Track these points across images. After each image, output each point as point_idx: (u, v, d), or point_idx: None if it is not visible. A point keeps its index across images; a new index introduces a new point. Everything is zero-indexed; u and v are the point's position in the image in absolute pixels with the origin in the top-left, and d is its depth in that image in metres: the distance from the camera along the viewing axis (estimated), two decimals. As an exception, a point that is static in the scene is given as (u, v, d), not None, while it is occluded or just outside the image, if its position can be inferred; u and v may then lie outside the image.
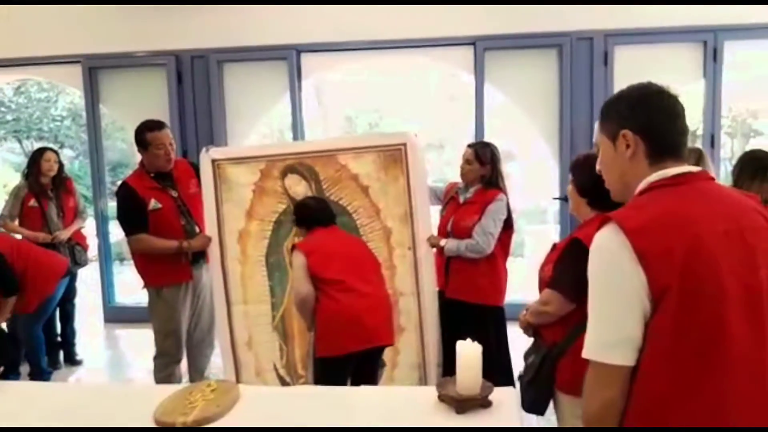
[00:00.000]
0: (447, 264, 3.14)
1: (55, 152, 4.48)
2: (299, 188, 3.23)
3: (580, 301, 1.53)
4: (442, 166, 10.74)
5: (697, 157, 3.89)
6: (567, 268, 1.84)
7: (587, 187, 1.93)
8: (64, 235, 4.30)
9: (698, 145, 4.93)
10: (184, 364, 3.30)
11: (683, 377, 1.13)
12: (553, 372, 1.79)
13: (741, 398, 1.15)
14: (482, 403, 1.64)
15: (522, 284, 5.88)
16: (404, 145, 3.17)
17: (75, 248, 4.40)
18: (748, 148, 8.92)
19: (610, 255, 1.16)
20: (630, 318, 1.13)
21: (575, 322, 1.76)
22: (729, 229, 1.17)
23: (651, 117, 1.25)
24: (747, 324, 1.14)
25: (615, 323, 1.15)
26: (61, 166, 4.41)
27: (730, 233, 1.16)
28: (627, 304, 1.14)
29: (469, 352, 1.64)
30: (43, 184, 4.30)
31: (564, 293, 1.83)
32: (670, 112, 1.26)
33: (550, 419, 3.15)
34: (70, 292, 4.42)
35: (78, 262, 4.43)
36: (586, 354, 1.18)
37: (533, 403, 1.85)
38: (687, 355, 1.13)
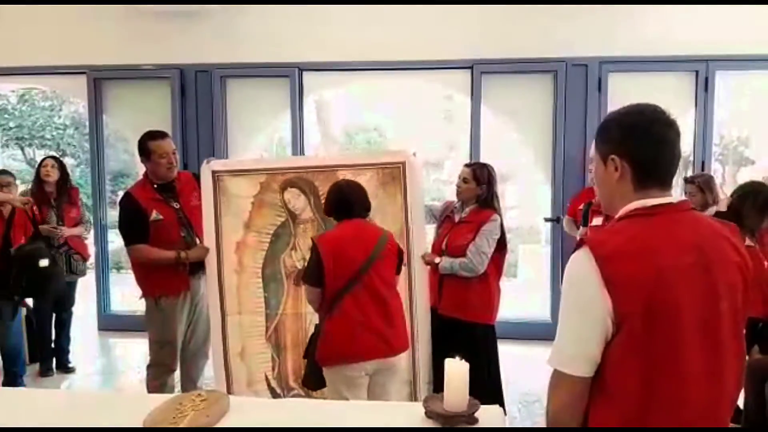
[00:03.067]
0: (440, 281, 3.20)
1: (56, 159, 4.49)
2: (298, 202, 3.30)
3: None
4: (440, 185, 10.82)
5: (706, 183, 3.99)
6: None
7: None
8: (67, 232, 4.27)
9: (689, 171, 5.03)
10: (177, 374, 3.33)
11: (641, 396, 1.22)
12: None
13: (693, 423, 1.24)
14: (468, 420, 1.68)
15: (515, 303, 5.93)
16: (403, 163, 3.24)
17: (72, 257, 4.35)
18: (739, 175, 9.04)
19: (580, 277, 1.24)
20: (591, 337, 1.22)
21: None
22: (695, 263, 1.23)
23: (640, 146, 1.29)
24: (702, 353, 1.23)
25: (576, 339, 1.25)
26: (65, 174, 4.39)
27: (695, 266, 1.23)
28: (590, 324, 1.22)
29: (456, 369, 1.69)
30: (46, 191, 4.29)
31: None
32: (660, 141, 1.29)
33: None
34: (67, 301, 4.43)
35: (74, 271, 4.38)
36: (548, 361, 1.29)
37: None
38: (644, 376, 1.21)
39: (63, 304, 4.41)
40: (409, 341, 2.76)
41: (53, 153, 12.53)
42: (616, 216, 1.33)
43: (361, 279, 2.51)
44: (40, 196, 4.27)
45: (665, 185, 1.30)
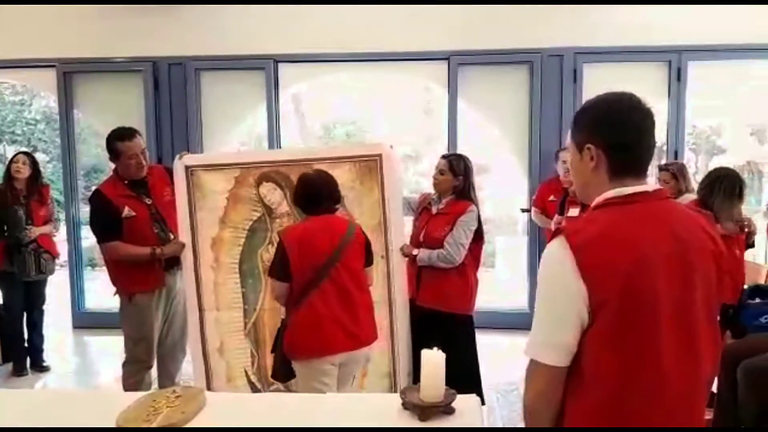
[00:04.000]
0: (418, 273, 3.20)
1: (28, 155, 4.36)
2: (274, 196, 3.27)
3: None
4: (418, 177, 10.84)
5: (680, 170, 4.05)
6: None
7: None
8: (36, 231, 4.15)
9: (663, 160, 5.09)
10: (154, 370, 3.30)
11: (617, 384, 1.23)
12: None
13: (670, 411, 1.25)
14: (445, 410, 1.68)
15: (493, 293, 5.98)
16: (380, 156, 3.23)
17: (42, 255, 4.22)
18: (711, 164, 9.20)
19: (555, 266, 1.24)
20: (565, 325, 1.22)
21: None
22: (672, 251, 1.24)
23: (615, 135, 1.28)
24: (678, 341, 1.24)
25: (551, 328, 1.26)
26: (36, 171, 4.27)
27: (673, 255, 1.24)
28: (564, 313, 1.23)
29: (432, 360, 1.69)
30: (16, 188, 4.17)
31: None
32: (636, 130, 1.28)
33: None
34: (38, 299, 4.35)
35: (43, 270, 4.24)
36: (525, 351, 1.29)
37: None
38: (620, 365, 1.22)
39: (33, 302, 4.32)
40: (377, 333, 2.76)
41: (24, 149, 12.31)
42: (592, 205, 1.33)
43: (328, 272, 2.51)
44: (10, 193, 4.16)
45: (640, 174, 1.30)
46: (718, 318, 1.37)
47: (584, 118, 1.35)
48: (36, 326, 4.40)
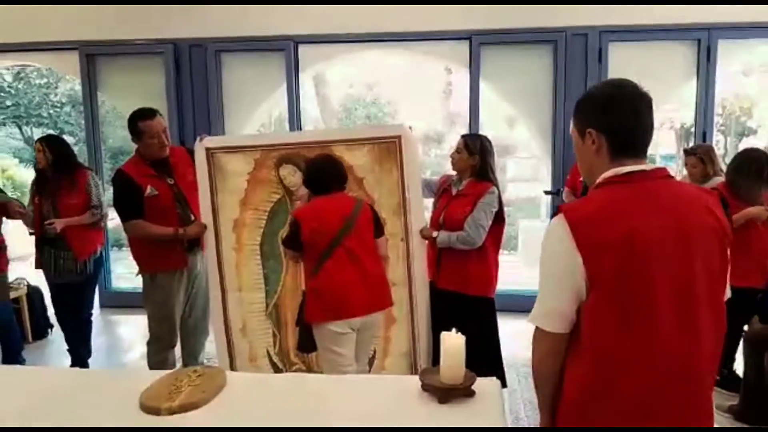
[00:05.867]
0: (439, 255, 3.19)
1: (46, 141, 3.82)
2: (294, 179, 3.27)
3: None
4: (441, 159, 10.79)
5: (707, 154, 3.95)
6: None
7: None
8: (57, 225, 3.59)
9: (690, 142, 4.98)
10: (178, 349, 3.35)
11: (615, 355, 1.30)
12: None
13: (671, 379, 1.31)
14: (465, 392, 1.68)
15: (514, 276, 5.94)
16: (399, 137, 3.20)
17: (59, 254, 3.68)
18: (741, 146, 8.98)
19: (555, 242, 1.34)
20: (564, 296, 1.33)
21: None
22: (669, 227, 1.29)
23: (615, 119, 1.36)
24: (676, 312, 1.29)
25: (552, 299, 1.36)
26: (59, 156, 3.72)
27: (670, 231, 1.29)
28: (563, 285, 1.32)
29: (452, 342, 1.68)
30: (44, 179, 3.74)
31: None
32: (635, 114, 1.36)
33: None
34: (78, 305, 3.91)
35: (60, 271, 3.70)
36: (528, 318, 1.40)
37: None
38: (617, 334, 1.29)
39: (75, 308, 3.89)
40: (390, 299, 2.88)
41: (51, 131, 12.52)
42: (595, 183, 1.40)
43: (341, 241, 2.67)
44: (39, 186, 3.77)
45: (639, 156, 1.38)
46: (729, 295, 1.42)
47: (585, 105, 1.43)
48: (81, 337, 3.98)
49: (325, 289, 2.67)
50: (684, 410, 1.33)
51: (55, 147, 3.77)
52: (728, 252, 1.39)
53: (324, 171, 2.80)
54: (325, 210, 2.72)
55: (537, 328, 1.40)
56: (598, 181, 1.39)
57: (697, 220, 1.33)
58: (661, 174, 1.38)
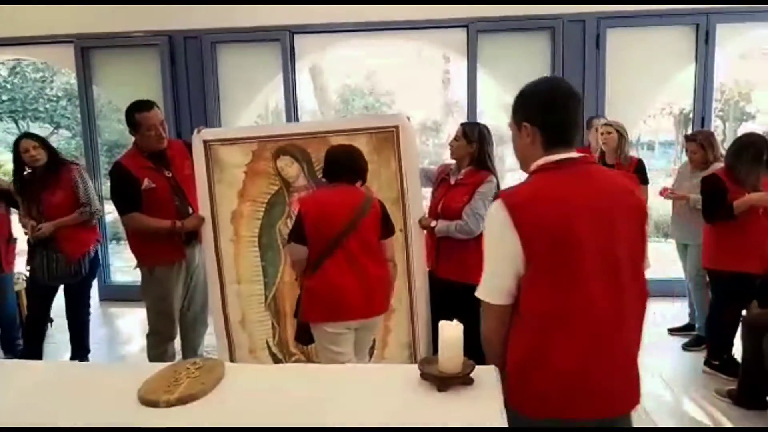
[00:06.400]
0: (437, 245, 3.19)
1: (35, 136, 3.65)
2: (291, 170, 3.26)
3: None
4: (439, 149, 10.77)
5: (707, 140, 3.94)
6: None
7: None
8: (46, 229, 3.49)
9: (689, 128, 4.96)
10: (178, 342, 3.36)
11: (550, 323, 1.47)
12: None
13: (602, 341, 1.48)
14: (464, 380, 1.68)
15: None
16: (396, 127, 3.19)
17: (52, 256, 3.56)
18: (740, 131, 8.96)
19: (495, 224, 1.49)
20: (506, 272, 1.49)
21: None
22: (595, 207, 1.47)
23: (548, 115, 1.53)
24: (605, 284, 1.46)
25: (495, 275, 1.52)
26: (53, 154, 3.61)
27: (596, 210, 1.47)
28: (504, 262, 1.49)
29: (450, 331, 1.68)
30: (33, 177, 3.60)
31: None
32: (563, 111, 1.53)
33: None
34: (75, 304, 3.90)
35: (55, 275, 3.60)
36: (477, 293, 1.57)
37: None
38: (552, 304, 1.46)
39: (71, 307, 3.90)
40: (388, 304, 2.81)
41: (47, 126, 12.48)
42: (529, 170, 1.57)
43: (341, 242, 2.57)
44: (24, 187, 3.61)
45: (569, 146, 1.54)
46: (644, 265, 1.58)
47: (522, 102, 1.59)
48: (78, 338, 3.94)
49: (321, 290, 2.61)
50: (613, 365, 1.51)
51: (46, 144, 3.65)
52: (646, 227, 1.58)
53: (337, 159, 2.69)
54: (329, 204, 2.61)
55: (483, 301, 1.56)
56: (532, 168, 1.56)
57: (619, 200, 1.51)
58: (587, 161, 1.57)
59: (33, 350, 3.74)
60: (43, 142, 3.65)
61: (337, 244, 2.57)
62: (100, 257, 3.92)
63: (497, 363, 1.62)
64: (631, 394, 1.59)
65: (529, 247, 1.44)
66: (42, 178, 3.59)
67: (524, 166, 1.61)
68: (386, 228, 2.73)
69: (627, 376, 1.57)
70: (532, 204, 1.45)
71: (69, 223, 3.58)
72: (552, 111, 1.53)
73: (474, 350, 2.32)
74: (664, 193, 4.15)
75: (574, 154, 1.52)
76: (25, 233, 3.64)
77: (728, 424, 3.07)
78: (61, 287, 3.82)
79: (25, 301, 4.66)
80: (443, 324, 1.70)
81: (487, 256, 1.54)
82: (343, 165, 2.68)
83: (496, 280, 1.52)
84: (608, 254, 1.46)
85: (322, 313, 2.62)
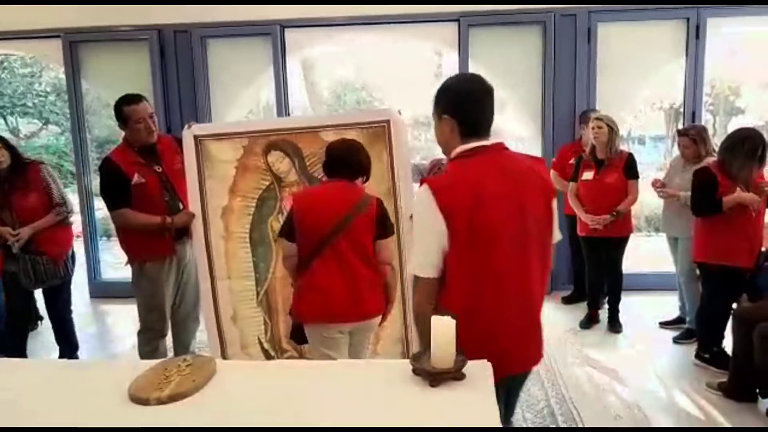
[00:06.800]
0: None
1: (2, 140, 3.50)
2: (282, 165, 3.24)
3: None
4: (431, 144, 10.74)
5: (699, 135, 3.95)
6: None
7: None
8: (24, 232, 3.40)
9: (680, 123, 4.98)
10: (169, 339, 3.34)
11: (472, 290, 1.71)
12: None
13: (512, 306, 1.74)
14: (456, 376, 1.67)
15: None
16: (387, 122, 3.17)
17: (36, 260, 3.47)
18: (730, 125, 9.00)
19: (422, 206, 1.69)
20: (432, 249, 1.69)
21: None
22: (508, 189, 1.69)
23: (465, 108, 1.74)
24: (516, 256, 1.71)
25: (423, 251, 1.72)
26: (16, 156, 3.47)
27: (508, 192, 1.69)
28: (431, 240, 1.69)
29: (442, 326, 1.67)
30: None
31: None
32: (478, 105, 1.75)
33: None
34: (56, 306, 3.82)
35: (42, 279, 3.52)
36: (408, 269, 1.87)
37: None
38: (473, 275, 1.69)
39: (54, 309, 3.83)
40: (382, 307, 2.67)
41: (36, 121, 12.36)
42: (449, 158, 1.81)
43: (331, 242, 2.48)
44: None
45: (483, 135, 1.75)
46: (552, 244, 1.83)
47: (442, 96, 1.79)
48: (65, 337, 3.89)
49: (310, 289, 2.54)
50: (523, 327, 1.78)
51: (8, 144, 3.50)
52: (553, 205, 1.81)
53: (336, 154, 2.58)
54: (321, 201, 2.53)
55: (415, 276, 1.75)
56: (452, 155, 1.77)
57: (528, 181, 1.74)
58: (500, 147, 1.77)
59: (17, 350, 3.69)
60: (4, 142, 3.50)
61: (326, 243, 2.48)
62: (74, 258, 3.81)
63: (426, 331, 1.73)
64: (537, 352, 1.87)
65: (451, 225, 1.65)
66: (9, 181, 3.46)
67: (445, 150, 1.83)
68: (383, 228, 2.61)
69: (534, 336, 1.84)
70: (453, 187, 1.67)
71: (45, 225, 3.49)
72: (468, 105, 1.74)
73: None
74: (656, 184, 4.16)
75: (487, 142, 1.75)
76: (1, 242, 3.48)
77: (719, 417, 3.09)
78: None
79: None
80: (435, 319, 1.69)
81: (416, 236, 1.75)
82: (342, 160, 2.57)
83: (425, 256, 1.71)
84: (519, 230, 1.70)
85: (311, 314, 2.56)
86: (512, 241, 1.69)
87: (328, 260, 2.50)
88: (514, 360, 1.79)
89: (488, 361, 1.67)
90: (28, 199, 3.47)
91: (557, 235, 1.86)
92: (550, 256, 1.83)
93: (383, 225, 2.61)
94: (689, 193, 3.65)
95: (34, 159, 3.75)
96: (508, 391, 1.85)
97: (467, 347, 1.65)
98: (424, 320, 1.71)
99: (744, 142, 3.37)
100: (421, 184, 1.71)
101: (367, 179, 2.68)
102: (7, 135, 12.69)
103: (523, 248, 1.72)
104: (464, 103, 1.75)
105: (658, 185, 4.14)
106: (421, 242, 1.73)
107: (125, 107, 3.02)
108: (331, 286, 2.50)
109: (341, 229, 2.48)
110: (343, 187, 2.57)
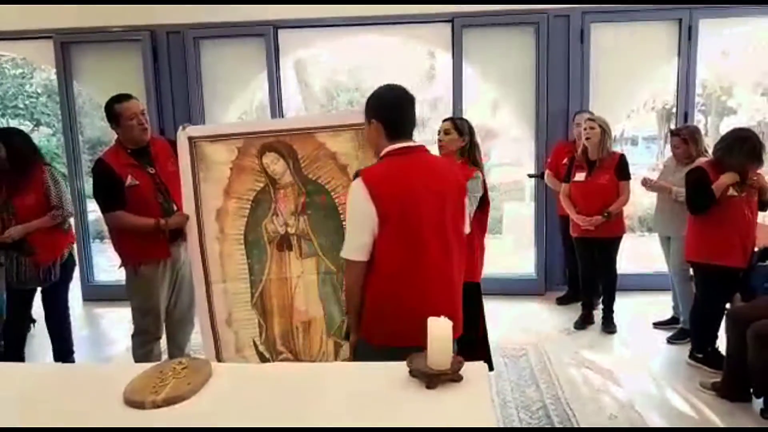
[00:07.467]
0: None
1: (0, 135, 3.49)
2: (277, 167, 3.22)
3: None
4: (424, 144, 10.72)
5: (691, 135, 3.97)
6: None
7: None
8: (15, 233, 3.38)
9: (672, 123, 5.00)
10: (163, 342, 3.32)
11: (398, 273, 1.97)
12: None
13: (434, 288, 2.00)
14: (452, 377, 1.67)
15: (500, 260, 5.97)
16: (381, 123, 3.16)
17: (19, 260, 3.45)
18: (722, 125, 9.06)
19: (356, 196, 1.96)
20: (364, 234, 1.95)
21: None
22: (430, 183, 1.98)
23: (389, 114, 2.02)
24: (437, 242, 1.99)
25: (355, 236, 1.98)
26: (14, 152, 3.43)
27: (431, 186, 1.98)
28: (364, 226, 1.95)
29: (439, 327, 1.68)
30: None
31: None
32: (401, 111, 2.03)
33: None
34: (50, 308, 3.79)
35: (22, 279, 3.48)
36: (342, 253, 2.03)
37: None
38: (400, 258, 1.96)
39: (47, 311, 3.80)
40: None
41: (27, 123, 12.28)
42: (378, 157, 2.06)
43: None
44: None
45: (406, 137, 2.04)
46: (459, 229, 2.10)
47: (371, 103, 2.08)
48: (60, 340, 3.84)
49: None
50: (442, 303, 1.95)
51: (9, 141, 3.45)
52: (465, 200, 2.13)
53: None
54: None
55: (347, 259, 2.01)
56: (382, 153, 2.04)
57: (446, 179, 2.05)
58: (422, 149, 2.07)
59: (13, 353, 3.65)
60: (2, 140, 3.45)
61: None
62: (75, 259, 3.81)
63: (356, 310, 2.06)
64: (458, 324, 2.10)
65: (381, 213, 1.91)
66: (10, 179, 3.44)
67: (375, 152, 2.10)
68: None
69: (453, 311, 2.00)
70: (384, 180, 1.94)
71: (39, 226, 3.45)
72: (393, 111, 2.02)
73: (463, 346, 2.32)
74: (645, 183, 4.16)
75: (411, 144, 2.04)
76: None
77: (713, 417, 3.10)
78: (39, 290, 3.72)
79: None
80: (432, 320, 1.69)
81: (349, 223, 2.02)
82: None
83: (358, 241, 1.96)
84: (439, 219, 1.99)
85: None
86: (435, 230, 1.98)
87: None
88: None
89: (415, 332, 1.79)
90: (29, 199, 3.45)
91: (467, 228, 2.16)
92: (464, 246, 2.13)
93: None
94: (682, 189, 3.67)
95: (41, 158, 3.66)
96: None
97: (393, 323, 1.97)
98: (355, 297, 2.04)
99: (743, 143, 3.38)
100: (356, 177, 1.98)
101: None
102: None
103: (444, 237, 2.00)
104: (389, 109, 2.03)
105: (648, 183, 4.14)
106: (354, 228, 1.98)
107: (116, 105, 3.00)
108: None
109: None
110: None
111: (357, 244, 1.96)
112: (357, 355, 2.10)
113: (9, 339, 3.69)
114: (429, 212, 1.96)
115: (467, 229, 2.16)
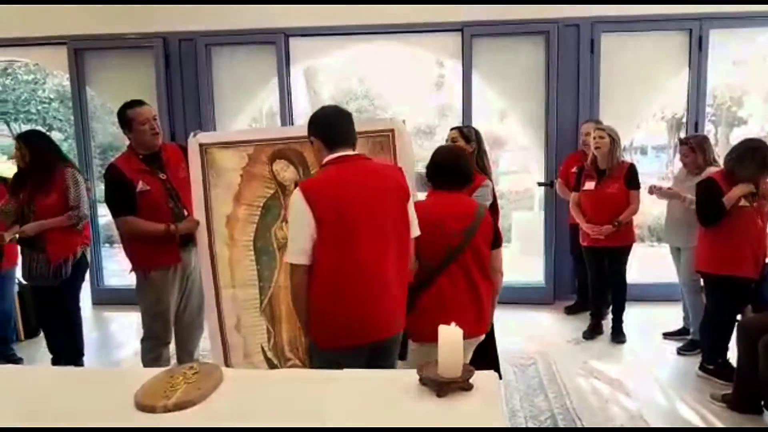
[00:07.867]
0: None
1: (23, 138, 3.67)
2: (287, 174, 3.24)
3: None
4: (432, 151, 10.74)
5: (699, 144, 3.95)
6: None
7: None
8: (29, 230, 3.50)
9: (682, 133, 4.99)
10: (172, 346, 3.33)
11: (336, 275, 2.10)
12: None
13: (370, 288, 2.12)
14: (463, 386, 1.67)
15: (509, 268, 5.92)
16: (392, 131, 3.16)
17: (33, 257, 3.57)
18: (732, 135, 9.01)
19: (296, 204, 2.11)
20: (304, 238, 2.09)
21: None
22: (367, 189, 2.13)
23: (324, 129, 2.22)
24: (374, 245, 2.12)
25: (296, 241, 2.12)
26: (37, 154, 3.57)
27: (367, 192, 2.12)
28: (303, 232, 2.09)
29: (450, 335, 1.68)
30: (24, 176, 3.62)
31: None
32: (336, 124, 2.23)
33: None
34: (57, 308, 3.79)
35: (33, 276, 3.60)
36: (286, 258, 2.21)
37: None
38: (336, 262, 2.09)
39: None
40: (490, 320, 2.68)
41: (39, 128, 12.40)
42: (320, 166, 2.24)
43: (456, 257, 2.45)
44: (16, 185, 3.65)
45: (344, 147, 2.20)
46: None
47: (310, 124, 2.28)
48: (70, 340, 3.87)
49: (436, 308, 2.40)
50: (380, 303, 2.14)
51: (33, 144, 3.59)
52: (408, 205, 2.23)
53: (446, 163, 2.58)
54: (446, 216, 2.46)
55: (290, 264, 2.14)
56: (322, 162, 2.20)
57: (386, 185, 2.19)
58: (361, 157, 2.25)
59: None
60: (27, 142, 3.58)
61: (453, 258, 2.44)
62: (88, 259, 3.84)
63: (304, 312, 2.18)
64: (397, 322, 2.23)
65: (317, 217, 2.05)
66: (33, 179, 3.56)
67: (320, 163, 2.25)
68: (497, 237, 2.62)
69: (392, 310, 2.18)
70: (320, 188, 2.10)
71: (54, 225, 3.53)
72: (327, 127, 2.22)
73: (473, 354, 2.31)
74: (653, 191, 4.09)
75: (349, 152, 2.20)
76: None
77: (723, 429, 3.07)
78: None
79: (18, 305, 4.62)
80: (442, 328, 1.69)
81: (290, 229, 2.17)
82: (452, 168, 2.57)
83: (299, 246, 2.09)
84: (377, 224, 2.11)
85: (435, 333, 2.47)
86: (372, 232, 2.10)
87: (454, 275, 2.46)
88: (378, 329, 2.16)
89: (354, 331, 2.10)
90: (49, 199, 3.54)
91: (415, 231, 2.27)
92: (408, 248, 2.25)
93: (497, 233, 2.63)
94: (693, 197, 3.65)
95: (66, 160, 3.74)
96: (376, 351, 2.17)
97: (334, 325, 2.11)
98: (300, 300, 2.16)
99: (754, 153, 3.36)
100: (296, 186, 2.17)
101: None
102: (9, 141, 12.77)
103: (382, 239, 2.12)
104: (324, 126, 2.23)
105: (656, 191, 4.07)
106: (295, 233, 2.12)
107: (129, 110, 3.04)
108: (462, 302, 2.46)
109: (467, 242, 2.45)
110: (458, 198, 2.56)
111: (298, 248, 2.09)
112: (311, 358, 2.25)
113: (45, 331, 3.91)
114: (365, 215, 2.08)
115: (415, 232, 2.26)
